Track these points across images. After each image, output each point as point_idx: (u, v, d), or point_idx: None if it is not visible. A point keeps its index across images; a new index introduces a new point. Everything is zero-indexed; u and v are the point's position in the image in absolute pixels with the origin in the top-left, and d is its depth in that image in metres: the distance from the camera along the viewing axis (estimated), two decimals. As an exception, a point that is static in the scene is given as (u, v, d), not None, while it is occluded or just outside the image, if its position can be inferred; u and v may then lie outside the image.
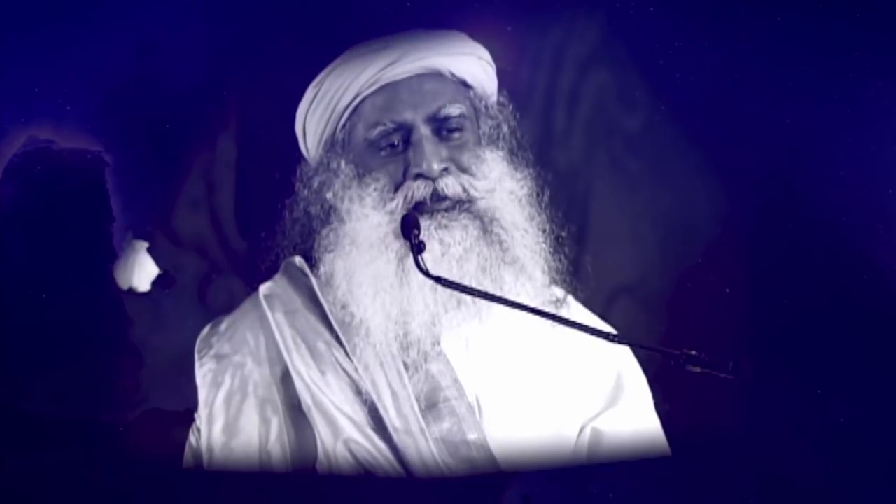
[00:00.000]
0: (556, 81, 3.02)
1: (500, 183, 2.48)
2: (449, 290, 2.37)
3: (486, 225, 2.44)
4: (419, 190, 2.41)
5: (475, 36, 2.60)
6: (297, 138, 2.62)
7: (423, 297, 2.40)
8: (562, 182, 2.69)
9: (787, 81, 2.85)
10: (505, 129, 2.57)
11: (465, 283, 2.37)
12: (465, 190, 2.43)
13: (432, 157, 2.40)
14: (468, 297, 2.40)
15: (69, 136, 2.80)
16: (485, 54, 2.56)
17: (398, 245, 2.41)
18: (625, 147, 3.01)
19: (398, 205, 2.41)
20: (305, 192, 2.56)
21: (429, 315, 2.41)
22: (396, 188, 2.43)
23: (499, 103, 2.60)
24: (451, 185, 2.42)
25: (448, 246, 2.39)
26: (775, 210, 2.89)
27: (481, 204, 2.44)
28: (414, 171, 2.41)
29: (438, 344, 2.45)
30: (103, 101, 2.82)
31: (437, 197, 2.41)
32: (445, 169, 2.42)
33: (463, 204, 2.43)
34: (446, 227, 2.40)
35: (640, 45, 2.92)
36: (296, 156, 2.63)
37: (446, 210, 2.41)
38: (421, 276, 2.36)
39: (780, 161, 2.88)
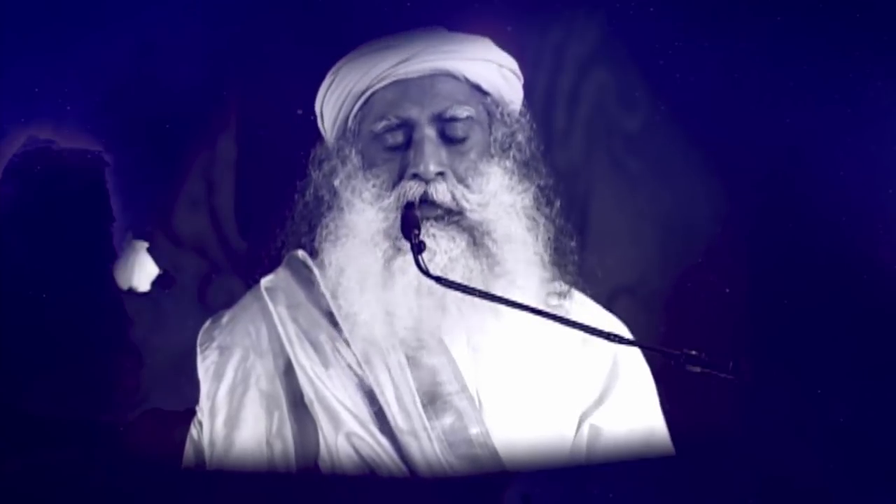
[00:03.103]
0: (556, 81, 3.02)
1: (495, 197, 2.46)
2: (432, 298, 2.38)
3: (476, 238, 2.43)
4: (412, 190, 2.41)
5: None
6: (298, 137, 2.62)
7: (406, 302, 2.40)
8: (562, 182, 2.68)
9: (787, 81, 2.86)
10: (520, 137, 2.55)
11: (450, 293, 2.37)
12: (454, 199, 2.42)
13: (430, 158, 2.40)
14: (451, 306, 2.40)
15: (69, 136, 2.80)
16: (508, 62, 2.53)
17: (386, 245, 2.42)
18: (625, 147, 3.01)
19: (391, 203, 2.41)
20: (317, 174, 2.56)
21: (412, 320, 2.41)
22: (393, 186, 2.43)
23: (518, 112, 2.58)
24: (440, 192, 2.41)
25: (433, 254, 2.38)
26: (775, 210, 2.89)
27: (472, 217, 2.43)
28: (411, 170, 2.41)
29: (440, 341, 2.45)
30: (103, 101, 2.82)
31: (427, 200, 2.40)
32: (441, 173, 2.41)
33: (453, 215, 2.42)
34: (434, 235, 2.40)
35: (640, 45, 2.92)
36: (297, 156, 2.62)
37: (436, 219, 2.41)
38: (405, 280, 2.38)
39: (780, 161, 2.88)
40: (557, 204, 2.56)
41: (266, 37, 2.87)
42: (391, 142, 2.44)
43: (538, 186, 2.54)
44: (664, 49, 2.90)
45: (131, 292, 2.84)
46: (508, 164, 2.52)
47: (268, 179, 2.70)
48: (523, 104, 2.60)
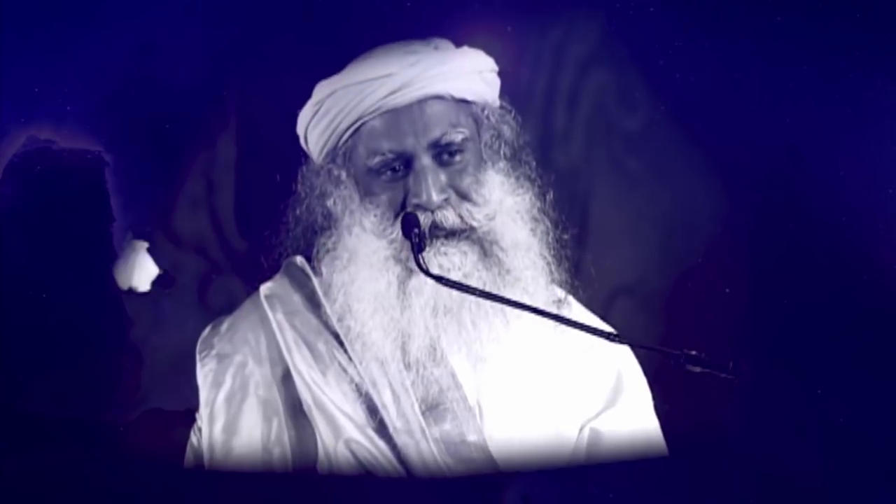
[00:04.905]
0: (556, 82, 3.02)
1: (500, 204, 2.46)
2: (448, 315, 2.39)
3: (485, 249, 2.43)
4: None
5: (475, 37, 2.59)
6: (297, 138, 2.61)
7: (423, 321, 2.39)
8: (562, 183, 2.68)
9: (787, 81, 2.86)
10: (507, 133, 2.54)
11: (466, 306, 2.39)
12: (463, 220, 2.41)
13: (432, 187, 2.37)
14: (468, 321, 2.41)
15: (69, 136, 2.80)
16: (486, 64, 2.51)
17: (399, 269, 2.41)
18: (625, 147, 3.01)
19: (398, 234, 2.40)
20: (308, 194, 2.56)
21: (428, 339, 2.41)
22: (395, 216, 2.41)
23: (500, 108, 2.57)
24: (449, 218, 2.40)
25: (448, 271, 2.38)
26: (775, 210, 2.89)
27: (481, 230, 2.43)
28: (413, 201, 2.39)
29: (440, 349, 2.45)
30: (103, 101, 2.82)
31: (436, 227, 2.39)
32: (446, 199, 2.39)
33: (463, 232, 2.42)
34: (445, 253, 2.39)
35: (640, 45, 2.93)
36: (297, 156, 2.62)
37: (445, 237, 2.40)
38: (422, 300, 2.38)
39: (780, 161, 2.88)
40: (550, 196, 2.56)
41: (266, 37, 2.87)
42: (388, 171, 2.42)
43: (530, 179, 2.54)
44: (664, 49, 2.90)
45: (131, 292, 2.85)
46: (502, 164, 2.52)
47: (268, 179, 2.69)
48: (504, 100, 2.57)
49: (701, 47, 2.88)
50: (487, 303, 2.39)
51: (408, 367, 2.42)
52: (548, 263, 2.50)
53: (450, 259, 2.39)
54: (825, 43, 2.82)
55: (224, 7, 2.84)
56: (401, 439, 2.38)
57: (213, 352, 2.53)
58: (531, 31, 2.95)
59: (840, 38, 2.81)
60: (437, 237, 2.39)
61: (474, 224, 2.42)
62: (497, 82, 2.55)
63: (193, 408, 2.52)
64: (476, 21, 2.72)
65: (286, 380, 2.47)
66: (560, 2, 2.97)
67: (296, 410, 2.45)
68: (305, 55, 2.79)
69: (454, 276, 2.38)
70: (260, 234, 2.63)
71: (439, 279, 2.31)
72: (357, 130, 2.45)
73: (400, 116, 2.41)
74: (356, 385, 2.44)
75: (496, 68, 2.54)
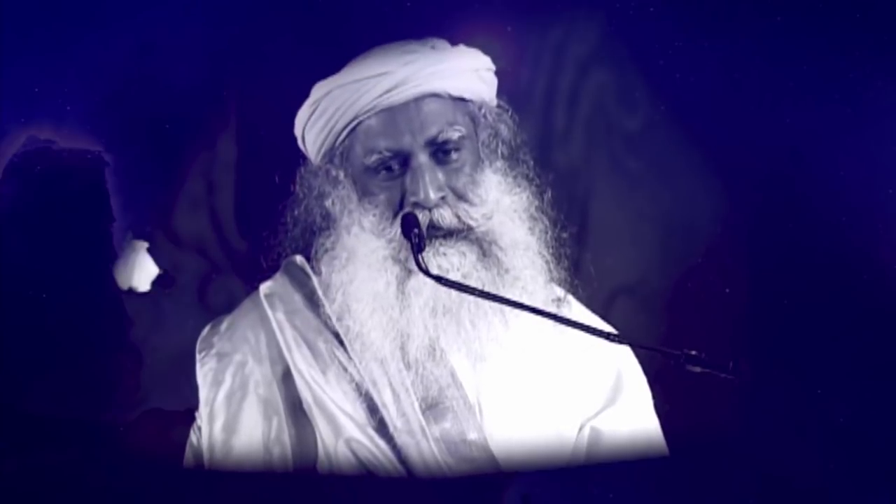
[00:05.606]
0: (556, 82, 3.02)
1: (497, 204, 2.46)
2: (448, 315, 2.39)
3: (484, 248, 2.43)
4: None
5: (475, 37, 2.59)
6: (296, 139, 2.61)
7: (422, 321, 2.39)
8: (562, 182, 2.68)
9: (787, 81, 2.86)
10: (504, 132, 2.54)
11: (465, 306, 2.39)
12: (460, 220, 2.41)
13: (430, 185, 2.37)
14: (467, 321, 2.41)
15: (69, 136, 2.81)
16: (482, 63, 2.51)
17: (397, 269, 2.41)
18: (625, 147, 3.02)
19: (397, 233, 2.40)
20: (306, 194, 2.56)
21: (428, 339, 2.41)
22: (394, 215, 2.41)
23: (498, 107, 2.57)
24: (446, 217, 2.40)
25: (446, 272, 2.37)
26: (775, 210, 2.89)
27: (479, 230, 2.43)
28: (411, 199, 2.39)
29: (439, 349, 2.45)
30: (103, 101, 2.82)
31: (433, 226, 2.39)
32: (443, 198, 2.40)
33: (461, 232, 2.42)
34: (444, 254, 2.39)
35: (640, 45, 2.93)
36: (296, 157, 2.63)
37: (444, 237, 2.40)
38: (421, 301, 2.38)
39: (780, 161, 2.88)
40: (548, 194, 2.56)
41: (266, 37, 2.87)
42: (385, 170, 2.42)
43: (527, 178, 2.54)
44: (664, 49, 2.90)
45: (131, 292, 2.85)
46: (499, 163, 2.52)
47: (268, 179, 2.69)
48: (501, 99, 2.56)
49: (701, 47, 2.88)
50: (486, 302, 2.39)
51: (408, 366, 2.42)
52: (546, 262, 2.50)
53: (448, 260, 2.39)
54: (825, 43, 2.82)
55: (224, 7, 2.85)
56: (401, 438, 2.39)
57: (213, 351, 2.53)
58: (531, 30, 2.96)
59: (840, 38, 2.81)
60: (436, 237, 2.40)
61: (471, 224, 2.42)
62: (494, 81, 2.55)
63: (193, 407, 2.52)
64: (476, 21, 2.72)
65: (286, 378, 2.47)
66: (560, 2, 2.97)
67: (296, 409, 2.45)
68: (305, 55, 2.79)
69: (453, 276, 2.37)
70: (260, 234, 2.63)
71: (439, 279, 2.31)
72: (353, 130, 2.45)
73: (396, 115, 2.40)
74: (356, 384, 2.44)
75: (493, 67, 2.53)
